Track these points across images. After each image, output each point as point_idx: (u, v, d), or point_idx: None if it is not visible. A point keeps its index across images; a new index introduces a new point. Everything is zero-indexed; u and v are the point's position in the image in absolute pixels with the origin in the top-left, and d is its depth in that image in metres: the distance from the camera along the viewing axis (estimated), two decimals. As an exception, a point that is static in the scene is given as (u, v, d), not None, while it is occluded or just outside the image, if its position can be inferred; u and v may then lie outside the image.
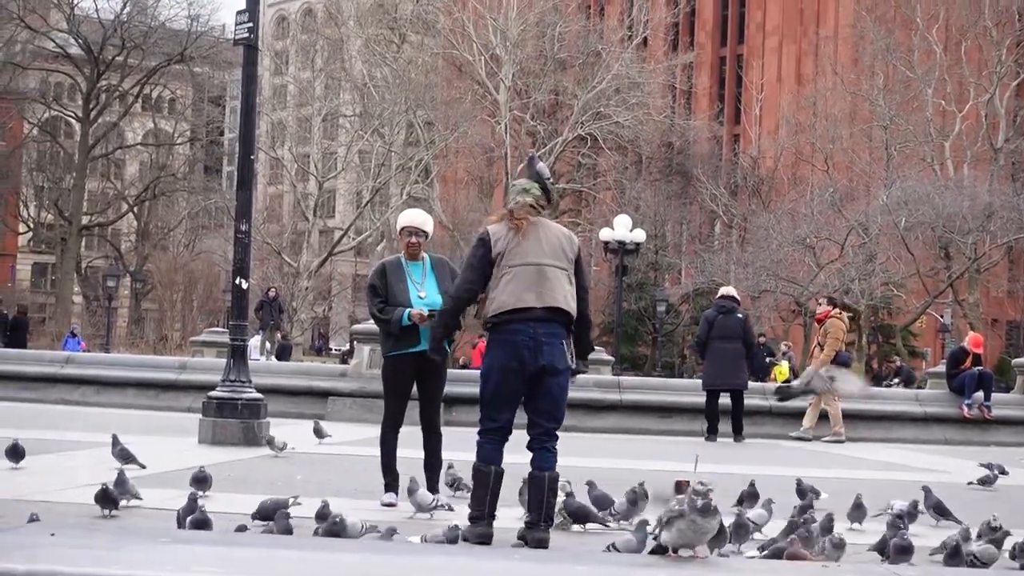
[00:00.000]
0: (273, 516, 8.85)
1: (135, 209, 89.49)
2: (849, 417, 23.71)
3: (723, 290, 23.73)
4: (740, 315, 23.00)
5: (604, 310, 69.80)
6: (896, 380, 49.39)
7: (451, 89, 79.50)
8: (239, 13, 17.71)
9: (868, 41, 73.47)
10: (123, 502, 9.96)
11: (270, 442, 15.95)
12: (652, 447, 20.29)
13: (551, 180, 9.96)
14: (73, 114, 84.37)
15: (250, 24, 17.60)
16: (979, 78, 70.24)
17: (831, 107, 72.67)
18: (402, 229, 11.40)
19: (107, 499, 9.75)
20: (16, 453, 12.60)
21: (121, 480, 10.09)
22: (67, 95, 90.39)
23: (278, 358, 42.18)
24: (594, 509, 10.40)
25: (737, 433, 22.38)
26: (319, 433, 16.53)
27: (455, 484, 11.86)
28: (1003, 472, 15.27)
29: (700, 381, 23.71)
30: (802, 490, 11.37)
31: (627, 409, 23.76)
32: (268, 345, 42.10)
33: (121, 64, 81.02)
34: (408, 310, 11.02)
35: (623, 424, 23.39)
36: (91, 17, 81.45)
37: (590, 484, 10.82)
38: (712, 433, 22.37)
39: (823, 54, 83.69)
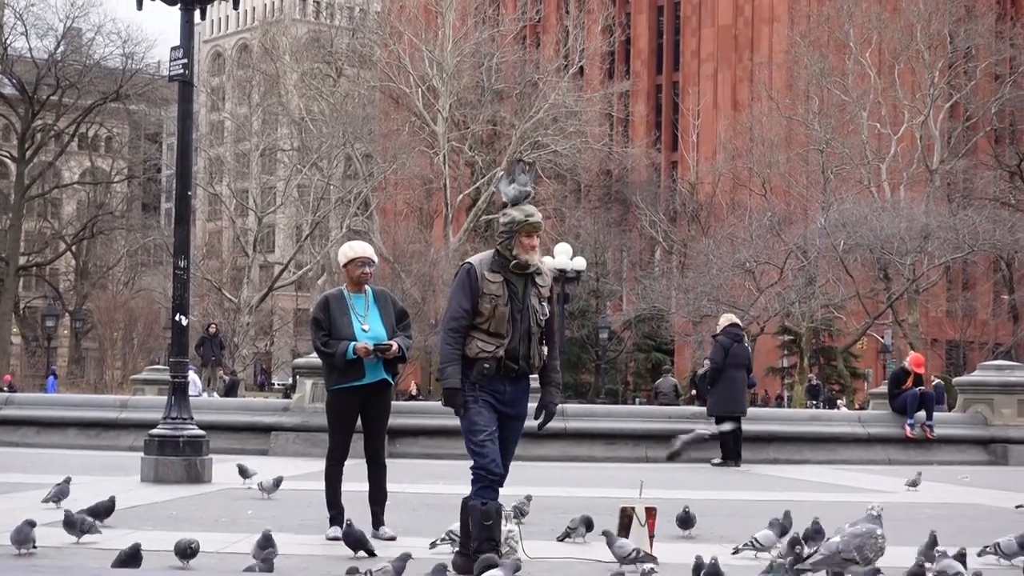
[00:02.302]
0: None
1: (73, 248, 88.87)
2: (793, 439, 23.77)
3: (730, 318, 23.52)
4: (747, 343, 23.06)
5: (547, 339, 69.68)
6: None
7: (388, 121, 79.56)
8: (174, 49, 17.64)
9: (802, 66, 74.04)
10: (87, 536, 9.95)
11: (243, 471, 15.85)
12: (598, 474, 20.27)
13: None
14: (8, 154, 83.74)
15: (185, 60, 17.53)
16: (913, 101, 70.88)
17: (767, 132, 73.18)
18: (353, 259, 11.35)
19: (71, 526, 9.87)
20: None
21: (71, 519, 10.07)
22: (1, 135, 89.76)
23: (226, 395, 41.90)
24: None
25: (738, 457, 22.39)
26: (244, 472, 16.39)
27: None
28: None
29: (651, 408, 23.71)
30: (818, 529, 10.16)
31: (572, 437, 23.69)
32: (210, 382, 41.84)
33: (56, 103, 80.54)
34: (353, 343, 10.99)
35: (568, 452, 23.31)
36: (25, 57, 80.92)
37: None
38: (738, 457, 22.36)
39: (758, 80, 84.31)
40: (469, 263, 9.52)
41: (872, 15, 73.04)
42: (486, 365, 9.35)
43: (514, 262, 9.35)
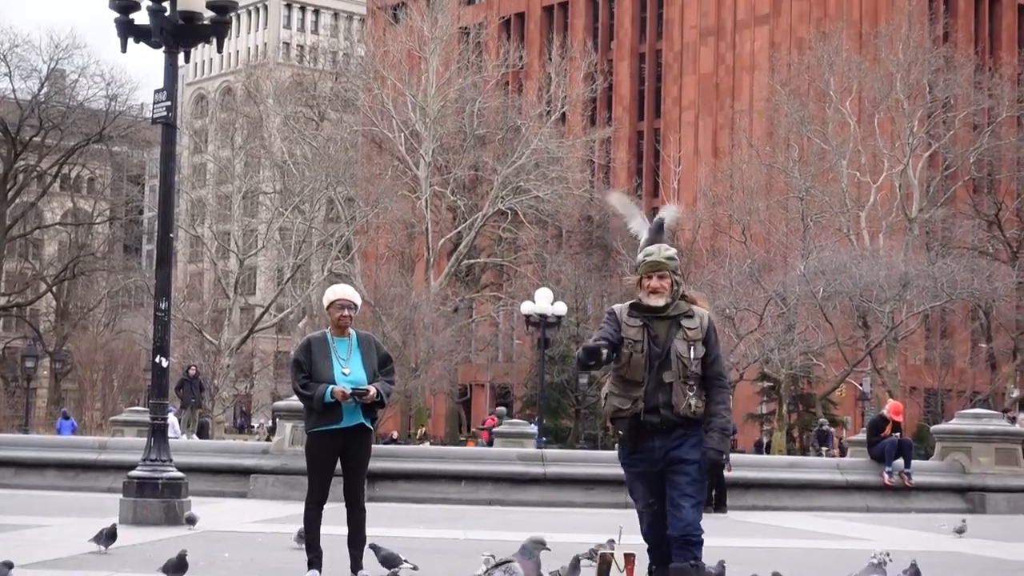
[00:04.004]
0: None
1: (54, 289, 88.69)
2: (771, 486, 23.83)
3: None
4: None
5: (527, 383, 69.76)
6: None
7: (371, 165, 79.71)
8: (157, 92, 17.72)
9: (783, 114, 74.33)
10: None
11: (190, 520, 15.86)
12: (577, 519, 20.28)
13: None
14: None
15: (168, 103, 17.61)
16: (892, 149, 71.17)
17: (748, 179, 73.38)
18: (334, 302, 11.39)
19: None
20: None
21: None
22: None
23: (198, 436, 41.88)
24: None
25: (723, 505, 22.44)
26: (191, 520, 16.39)
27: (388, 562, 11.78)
28: None
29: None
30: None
31: (551, 482, 23.72)
32: (190, 424, 41.80)
33: (39, 144, 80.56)
34: (331, 387, 11.02)
35: (547, 497, 23.32)
36: (8, 98, 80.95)
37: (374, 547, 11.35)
38: (723, 504, 22.41)
39: (739, 127, 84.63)
40: (612, 308, 9.32)
41: (852, 64, 73.43)
42: (620, 430, 9.13)
43: (635, 302, 9.17)
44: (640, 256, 9.17)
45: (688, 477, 8.98)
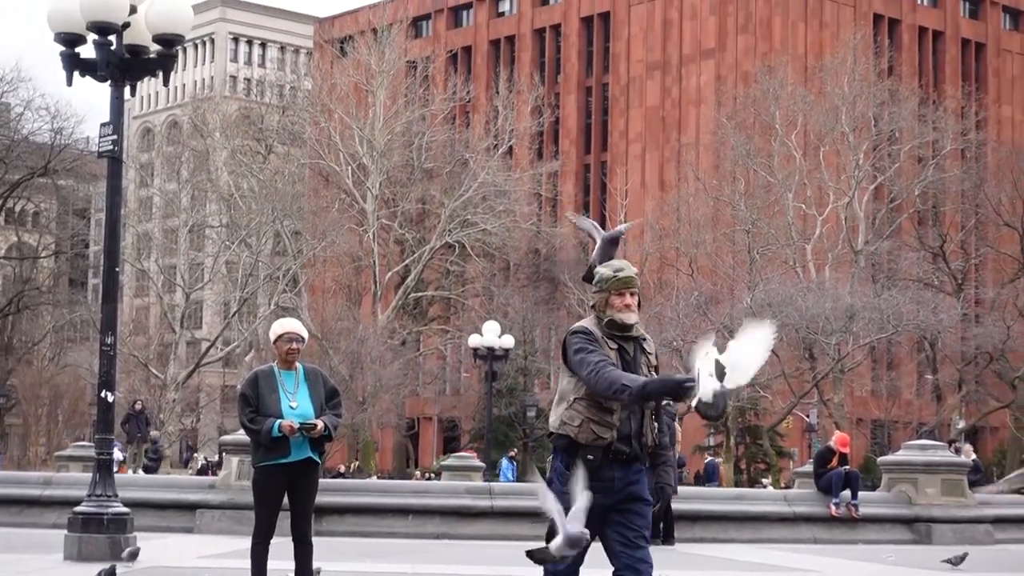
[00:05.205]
0: None
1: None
2: (718, 518, 23.85)
3: None
4: (675, 422, 23.03)
5: (474, 416, 69.68)
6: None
7: (318, 198, 79.58)
8: (103, 125, 17.63)
9: (729, 147, 74.72)
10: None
11: (132, 555, 15.77)
12: (524, 553, 20.20)
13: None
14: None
15: (114, 136, 17.52)
16: (838, 182, 71.62)
17: (694, 212, 73.67)
18: (282, 335, 11.36)
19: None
20: None
21: None
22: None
23: (145, 471, 41.58)
24: None
25: (671, 537, 22.35)
26: (133, 556, 16.29)
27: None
28: None
29: None
30: None
31: (499, 515, 23.65)
32: (136, 458, 41.52)
33: (-17, 178, 79.98)
34: (279, 421, 10.98)
35: (496, 530, 23.23)
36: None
37: None
38: (670, 536, 22.30)
39: (685, 160, 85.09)
40: (582, 327, 8.48)
41: (797, 98, 73.92)
42: (590, 456, 8.29)
43: (607, 321, 8.38)
44: (606, 271, 8.49)
45: (644, 519, 8.48)
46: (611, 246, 9.33)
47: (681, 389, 8.10)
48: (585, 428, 8.31)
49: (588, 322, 8.52)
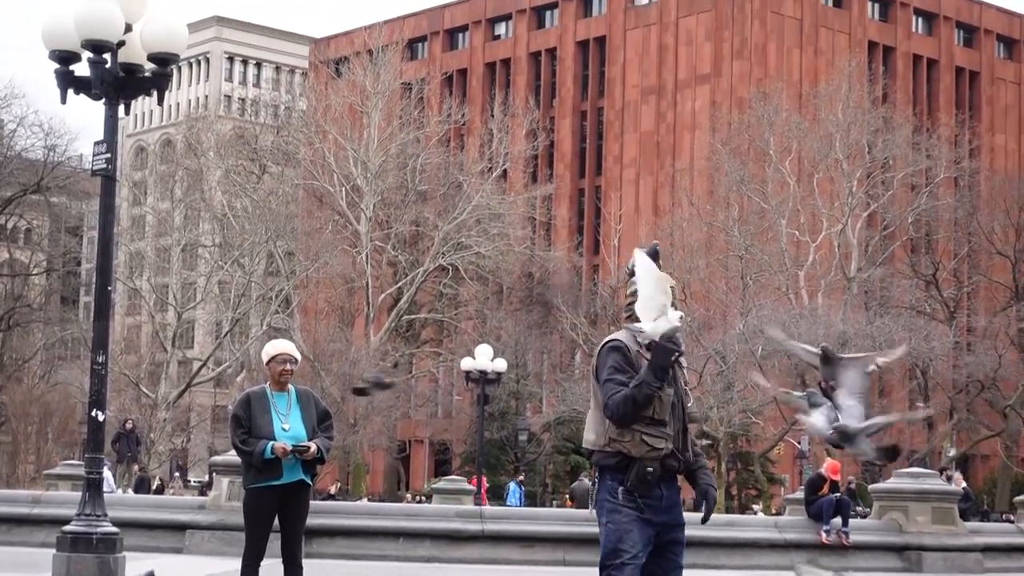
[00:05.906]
0: None
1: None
2: (709, 544, 23.78)
3: None
4: None
5: (466, 439, 69.59)
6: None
7: (312, 219, 79.58)
8: (97, 143, 17.59)
9: (723, 173, 74.82)
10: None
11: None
12: (515, 577, 20.21)
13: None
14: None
15: (108, 155, 17.48)
16: (831, 209, 71.71)
17: (688, 237, 73.69)
18: (275, 357, 11.33)
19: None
20: None
21: None
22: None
23: (135, 491, 41.51)
24: None
25: None
26: None
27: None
28: None
29: (570, 511, 23.65)
30: None
31: (490, 539, 23.57)
32: (126, 477, 41.44)
33: (-24, 194, 79.94)
34: (271, 443, 10.93)
35: (486, 555, 23.16)
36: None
37: None
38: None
39: (679, 186, 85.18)
40: (619, 342, 8.32)
41: (792, 124, 74.03)
42: (649, 469, 8.06)
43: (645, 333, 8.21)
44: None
45: (683, 546, 8.35)
46: (654, 258, 9.19)
47: (672, 342, 8.20)
48: (637, 441, 8.11)
49: (624, 335, 8.41)
